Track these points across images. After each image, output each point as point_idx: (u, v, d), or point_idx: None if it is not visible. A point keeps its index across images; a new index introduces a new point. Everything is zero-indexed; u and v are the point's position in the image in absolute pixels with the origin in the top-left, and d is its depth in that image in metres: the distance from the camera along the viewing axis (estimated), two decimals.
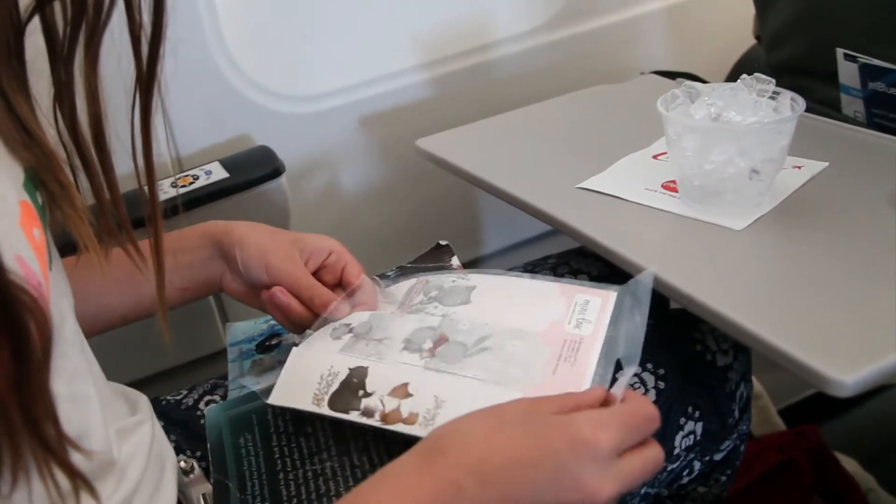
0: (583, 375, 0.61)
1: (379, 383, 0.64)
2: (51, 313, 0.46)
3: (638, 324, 0.62)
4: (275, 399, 0.67)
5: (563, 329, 0.65)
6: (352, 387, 0.64)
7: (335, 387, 0.64)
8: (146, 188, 0.61)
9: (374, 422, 0.61)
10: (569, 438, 0.51)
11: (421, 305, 0.71)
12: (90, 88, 0.59)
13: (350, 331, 0.70)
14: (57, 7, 0.58)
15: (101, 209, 0.62)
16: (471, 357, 0.64)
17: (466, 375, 0.62)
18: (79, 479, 0.47)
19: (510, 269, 0.93)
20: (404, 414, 0.61)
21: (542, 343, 0.64)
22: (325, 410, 0.63)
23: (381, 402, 0.62)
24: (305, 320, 0.73)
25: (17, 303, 0.41)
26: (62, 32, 0.58)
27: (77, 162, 0.62)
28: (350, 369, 0.65)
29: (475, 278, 0.72)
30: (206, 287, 0.78)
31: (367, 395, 0.63)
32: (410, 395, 0.62)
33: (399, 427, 0.60)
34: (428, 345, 0.66)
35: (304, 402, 0.64)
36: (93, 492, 0.49)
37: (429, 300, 0.71)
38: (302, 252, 0.75)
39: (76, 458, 0.48)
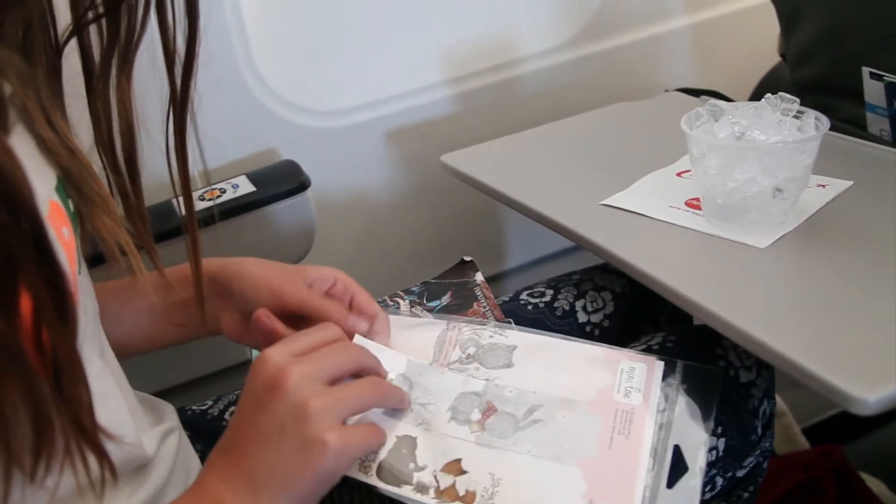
0: (639, 448, 0.60)
1: (430, 457, 0.61)
2: (79, 311, 0.48)
3: (700, 424, 0.62)
4: None
5: (611, 398, 0.63)
6: (401, 458, 0.61)
7: (383, 455, 0.61)
8: (180, 199, 0.63)
9: (430, 499, 0.59)
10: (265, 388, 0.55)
11: (461, 365, 0.69)
12: (123, 105, 0.61)
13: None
14: (93, 29, 0.60)
15: (129, 221, 0.64)
16: (522, 430, 0.62)
17: (520, 451, 0.61)
18: (105, 462, 0.49)
19: (535, 285, 0.94)
20: (461, 492, 0.59)
21: (592, 414, 0.62)
22: (374, 481, 0.60)
23: (436, 477, 0.60)
24: None
25: (62, 270, 0.43)
26: (98, 53, 0.60)
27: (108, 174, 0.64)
28: (398, 437, 0.62)
29: (513, 336, 0.70)
30: (200, 326, 0.74)
31: (419, 468, 0.60)
32: (465, 471, 0.60)
33: None
34: (476, 415, 0.64)
35: (352, 468, 0.60)
36: (115, 477, 0.50)
37: (468, 359, 0.69)
38: (305, 280, 0.72)
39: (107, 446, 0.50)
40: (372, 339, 0.69)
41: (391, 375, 0.67)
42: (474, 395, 0.66)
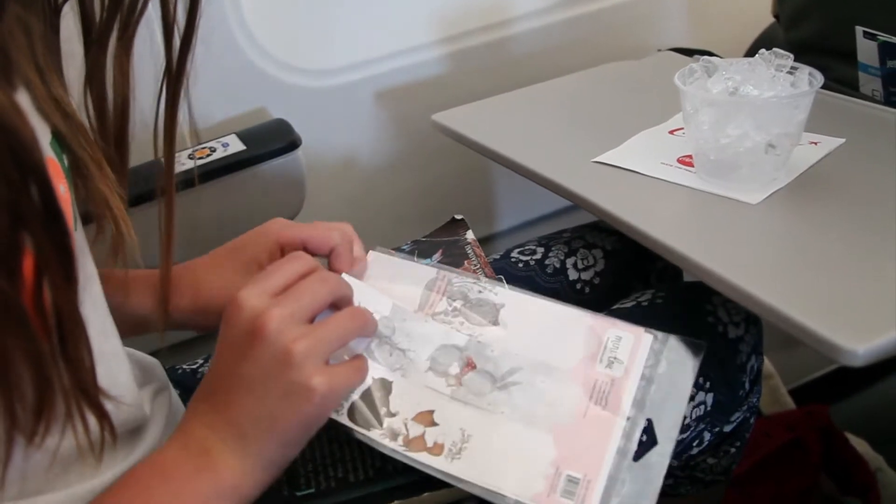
0: (613, 419, 0.59)
1: (403, 404, 0.61)
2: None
3: (680, 391, 0.61)
4: None
5: (593, 368, 0.62)
6: (375, 401, 0.61)
7: (356, 396, 0.60)
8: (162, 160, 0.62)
9: (397, 446, 0.59)
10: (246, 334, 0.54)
11: (445, 317, 0.68)
12: (122, 72, 0.60)
13: None
14: None
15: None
16: (499, 391, 0.62)
17: (494, 411, 0.61)
18: (106, 423, 0.49)
19: (525, 243, 0.94)
20: (429, 443, 0.59)
21: (571, 382, 0.62)
22: (344, 421, 0.60)
23: (406, 425, 0.60)
24: None
25: (67, 226, 0.42)
26: (98, 18, 0.59)
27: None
28: (374, 379, 0.62)
29: (503, 294, 0.69)
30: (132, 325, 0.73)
31: (391, 414, 0.61)
32: (436, 423, 0.60)
33: (422, 457, 0.59)
34: (455, 369, 0.63)
35: None
36: (115, 438, 0.50)
37: (454, 312, 0.68)
38: (246, 264, 0.70)
39: (107, 407, 0.50)
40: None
41: (377, 317, 0.65)
42: (455, 348, 0.65)
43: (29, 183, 0.39)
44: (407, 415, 0.61)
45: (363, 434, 0.60)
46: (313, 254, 0.69)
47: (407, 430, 0.60)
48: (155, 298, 0.71)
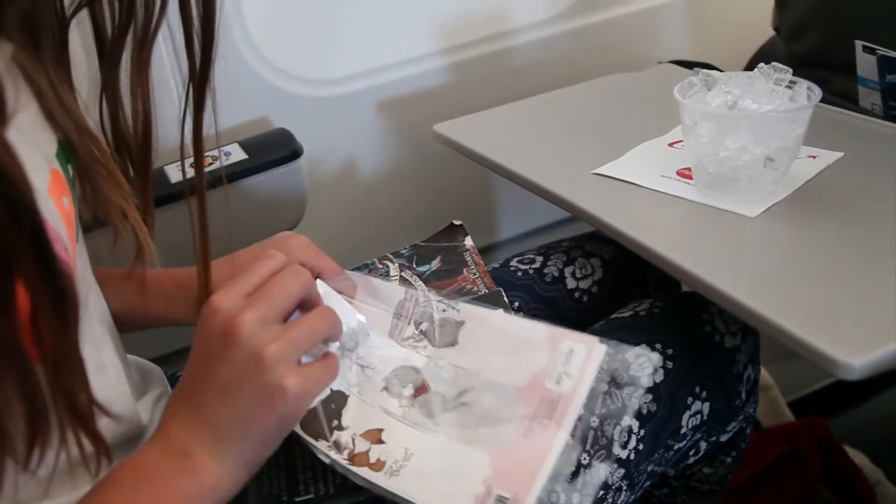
0: (552, 440, 0.59)
1: (354, 420, 0.63)
2: (77, 281, 0.48)
3: (627, 408, 0.61)
4: None
5: (542, 384, 0.62)
6: (328, 412, 0.63)
7: (311, 404, 0.62)
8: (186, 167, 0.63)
9: (341, 458, 0.61)
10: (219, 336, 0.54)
11: (413, 342, 0.69)
12: (142, 90, 0.61)
13: None
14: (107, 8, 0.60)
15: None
16: (448, 412, 0.63)
17: (439, 432, 0.62)
18: (102, 448, 0.49)
19: (524, 252, 0.94)
20: (372, 459, 0.61)
21: (518, 401, 0.62)
22: (295, 427, 0.61)
23: (353, 440, 0.62)
24: None
25: (60, 267, 0.42)
26: (110, 32, 0.60)
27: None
28: (332, 391, 0.63)
29: (465, 311, 0.69)
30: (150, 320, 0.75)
31: (341, 428, 0.62)
32: (383, 441, 0.62)
33: (364, 472, 0.60)
34: (409, 391, 0.65)
35: None
36: (109, 460, 0.50)
37: (419, 335, 0.69)
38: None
39: (103, 424, 0.50)
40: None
41: (343, 327, 0.66)
42: (413, 370, 0.66)
43: (19, 223, 0.39)
44: (356, 430, 0.62)
45: (310, 443, 0.61)
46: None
47: (353, 444, 0.62)
48: (170, 300, 0.73)
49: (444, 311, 0.69)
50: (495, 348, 0.66)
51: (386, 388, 0.65)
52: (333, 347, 0.64)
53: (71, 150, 0.56)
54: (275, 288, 0.57)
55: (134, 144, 0.63)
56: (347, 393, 0.64)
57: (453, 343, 0.67)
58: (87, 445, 0.48)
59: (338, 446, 0.61)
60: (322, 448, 0.61)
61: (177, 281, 0.74)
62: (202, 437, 0.54)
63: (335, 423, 0.62)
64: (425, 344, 0.68)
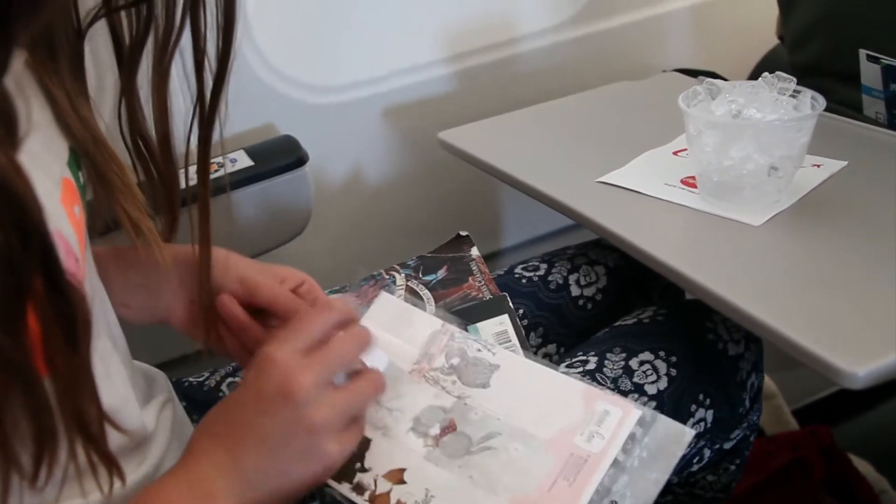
0: (577, 498, 0.58)
1: (378, 461, 0.63)
2: (86, 291, 0.48)
3: (650, 482, 0.59)
4: None
5: (571, 440, 0.61)
6: (353, 457, 0.62)
7: None
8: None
9: (362, 500, 0.61)
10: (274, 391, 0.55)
11: (441, 374, 0.68)
12: (159, 101, 0.61)
13: None
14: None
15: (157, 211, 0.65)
16: (472, 455, 0.62)
17: (462, 475, 0.61)
18: (115, 468, 0.49)
19: (529, 260, 0.94)
20: (392, 501, 0.61)
21: (545, 453, 0.61)
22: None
23: (375, 481, 0.62)
24: (249, 340, 0.69)
25: (70, 290, 0.43)
26: (128, 42, 0.60)
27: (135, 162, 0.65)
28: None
29: (501, 355, 0.68)
30: (150, 313, 0.73)
31: (364, 469, 0.62)
32: (404, 482, 0.62)
33: None
34: (435, 430, 0.64)
35: None
36: (121, 476, 0.50)
37: (449, 370, 0.68)
38: (276, 276, 0.71)
39: (109, 433, 0.50)
40: None
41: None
42: (441, 409, 0.65)
43: (31, 249, 0.40)
44: (378, 471, 0.62)
45: (333, 486, 0.62)
46: None
47: (375, 485, 0.62)
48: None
49: (479, 350, 0.68)
50: (527, 396, 0.65)
51: (413, 429, 0.64)
52: None
53: (82, 157, 0.56)
54: (335, 350, 0.58)
55: (155, 151, 0.64)
56: (371, 436, 0.64)
57: (484, 385, 0.66)
58: (99, 466, 0.48)
59: (359, 489, 0.61)
60: (344, 491, 0.61)
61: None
62: (231, 483, 0.55)
63: (358, 465, 0.62)
64: (454, 379, 0.67)
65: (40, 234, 0.40)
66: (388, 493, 0.61)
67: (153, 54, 0.60)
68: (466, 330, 0.70)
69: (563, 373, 0.66)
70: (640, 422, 0.60)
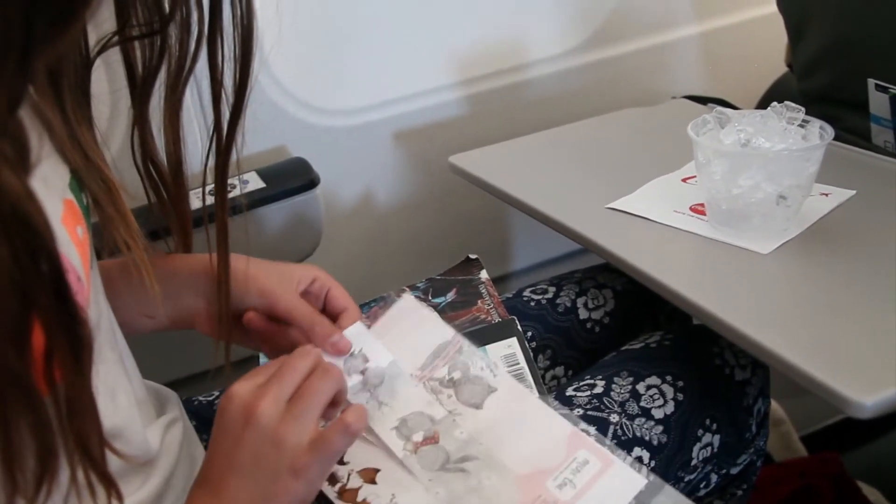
0: None
1: (357, 456, 0.64)
2: (90, 312, 0.48)
3: None
4: None
5: (544, 482, 0.61)
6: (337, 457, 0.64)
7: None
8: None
9: (331, 491, 0.62)
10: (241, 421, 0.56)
11: (439, 385, 0.69)
12: (173, 130, 0.62)
13: (363, 372, 0.68)
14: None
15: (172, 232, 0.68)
16: (445, 471, 0.63)
17: (430, 490, 0.62)
18: (114, 491, 0.49)
19: (537, 283, 0.95)
20: (359, 498, 0.62)
21: (515, 489, 0.62)
22: None
23: (349, 475, 0.63)
24: (284, 347, 0.69)
25: (78, 312, 0.43)
26: (141, 72, 0.61)
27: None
28: None
29: (502, 379, 0.68)
30: (175, 320, 0.74)
31: (342, 462, 0.64)
32: (375, 483, 0.63)
33: None
34: (418, 437, 0.65)
35: None
36: (119, 497, 0.51)
37: (448, 383, 0.68)
38: (293, 283, 0.71)
39: (111, 456, 0.50)
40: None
41: (370, 365, 0.68)
42: (430, 419, 0.66)
43: (40, 268, 0.40)
44: (355, 466, 0.64)
45: None
46: (331, 304, 0.71)
47: (348, 479, 0.63)
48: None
49: (482, 369, 0.69)
50: (515, 428, 0.65)
51: (397, 428, 0.65)
52: (356, 381, 0.66)
53: (82, 180, 0.57)
54: (288, 374, 0.58)
55: (166, 176, 0.65)
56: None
57: (478, 406, 0.67)
58: (99, 489, 0.49)
59: (332, 479, 0.63)
60: None
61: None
62: None
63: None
64: (450, 393, 0.68)
65: (51, 256, 0.41)
66: (357, 490, 0.62)
67: (166, 83, 0.61)
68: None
69: (557, 409, 0.66)
70: (641, 489, 0.60)
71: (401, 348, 0.70)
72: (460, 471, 0.63)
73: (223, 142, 0.61)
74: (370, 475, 0.63)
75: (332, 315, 0.71)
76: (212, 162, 0.63)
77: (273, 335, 0.70)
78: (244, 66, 0.58)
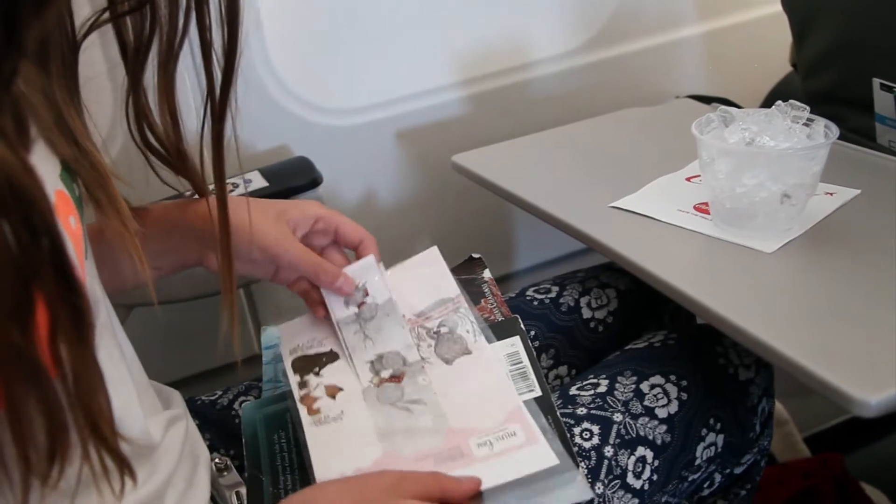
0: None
1: (331, 374, 0.72)
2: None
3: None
4: (281, 330, 0.77)
5: (467, 439, 0.64)
6: (318, 362, 0.73)
7: (311, 352, 0.74)
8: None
9: (297, 394, 0.70)
10: None
11: (424, 334, 0.74)
12: (168, 105, 0.62)
13: (362, 304, 0.74)
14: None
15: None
16: (393, 407, 0.68)
17: (367, 420, 0.67)
18: (126, 468, 0.49)
19: (541, 282, 0.94)
20: (314, 406, 0.69)
21: (441, 436, 0.65)
22: (287, 362, 0.73)
23: (315, 387, 0.71)
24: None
25: (78, 284, 0.43)
26: (133, 46, 0.61)
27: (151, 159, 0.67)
28: (332, 350, 0.74)
29: (480, 345, 0.72)
30: (178, 265, 0.76)
31: (318, 374, 0.72)
32: (334, 399, 0.70)
33: (301, 411, 0.69)
34: (386, 374, 0.71)
35: (286, 347, 0.75)
36: (133, 477, 0.51)
37: (434, 334, 0.73)
38: (287, 224, 0.73)
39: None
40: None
41: (368, 300, 0.74)
42: (402, 360, 0.72)
43: (40, 243, 0.40)
44: (322, 381, 0.71)
45: (289, 375, 0.72)
46: (343, 240, 0.76)
47: (313, 389, 0.71)
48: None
49: (468, 332, 0.73)
50: (470, 390, 0.69)
51: (372, 362, 0.72)
52: (351, 312, 0.74)
53: (74, 171, 0.57)
54: None
55: (171, 147, 0.65)
56: (339, 356, 0.73)
57: (448, 361, 0.72)
58: (111, 466, 0.49)
59: (302, 384, 0.71)
60: (292, 381, 0.71)
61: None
62: None
63: (316, 369, 0.72)
64: (431, 343, 0.73)
65: (50, 228, 0.41)
66: (316, 399, 0.70)
67: (158, 56, 0.61)
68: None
69: (516, 389, 0.69)
70: (550, 470, 0.61)
71: (408, 291, 0.76)
72: (405, 410, 0.68)
73: (217, 108, 0.60)
74: (333, 391, 0.70)
75: (349, 247, 0.76)
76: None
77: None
78: (232, 28, 0.57)
